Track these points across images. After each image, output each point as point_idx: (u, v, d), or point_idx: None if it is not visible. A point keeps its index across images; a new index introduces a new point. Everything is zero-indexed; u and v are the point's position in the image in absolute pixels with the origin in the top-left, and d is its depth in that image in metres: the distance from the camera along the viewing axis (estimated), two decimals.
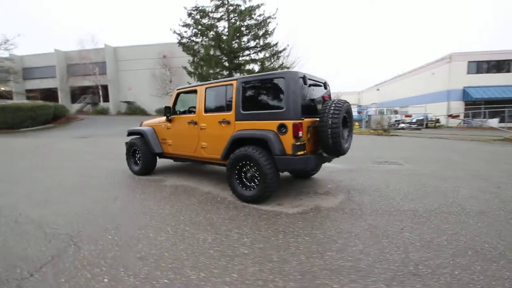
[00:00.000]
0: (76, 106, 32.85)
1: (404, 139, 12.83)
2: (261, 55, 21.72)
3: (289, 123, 3.32)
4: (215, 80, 4.21)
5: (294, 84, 3.37)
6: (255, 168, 3.52)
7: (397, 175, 5.24)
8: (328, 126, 3.39)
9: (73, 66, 32.47)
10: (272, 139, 3.38)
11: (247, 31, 20.73)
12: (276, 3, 40.92)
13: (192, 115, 4.49)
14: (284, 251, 2.39)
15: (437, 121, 22.78)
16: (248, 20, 20.50)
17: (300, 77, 3.45)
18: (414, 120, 21.79)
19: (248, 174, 3.66)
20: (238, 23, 19.86)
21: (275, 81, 3.51)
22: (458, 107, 23.41)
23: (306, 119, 3.44)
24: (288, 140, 3.34)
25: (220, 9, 20.77)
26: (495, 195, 3.92)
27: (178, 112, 4.97)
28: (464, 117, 22.05)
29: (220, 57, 20.74)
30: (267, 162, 3.41)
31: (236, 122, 3.81)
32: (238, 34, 19.93)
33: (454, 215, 3.19)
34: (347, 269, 2.10)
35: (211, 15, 20.85)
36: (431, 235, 2.68)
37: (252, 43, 21.16)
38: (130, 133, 5.62)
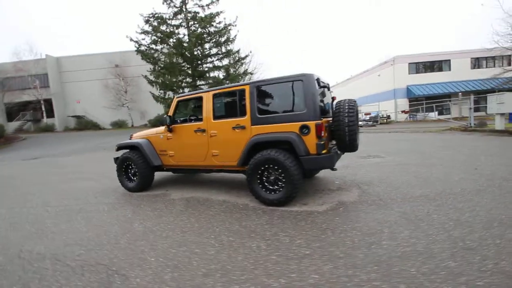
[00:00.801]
0: (14, 125, 28.97)
1: (368, 135, 13.91)
2: (224, 62, 21.70)
3: (312, 123, 3.41)
4: (222, 86, 4.12)
5: (313, 86, 3.48)
6: (280, 170, 3.52)
7: (388, 167, 5.68)
8: (345, 125, 3.56)
9: (8, 80, 28.63)
10: (296, 140, 3.43)
11: (209, 38, 20.59)
12: (236, 11, 41.37)
13: (198, 123, 4.32)
14: (343, 246, 2.43)
15: (388, 117, 25.20)
16: (209, 27, 20.38)
17: (316, 79, 3.57)
18: (368, 118, 23.77)
19: (271, 178, 3.64)
20: (199, 30, 19.61)
21: (292, 83, 3.58)
22: (403, 103, 26.21)
23: (323, 119, 3.57)
24: (311, 140, 3.42)
25: (179, 16, 20.30)
26: (478, 175, 4.49)
27: (178, 121, 4.73)
28: (414, 112, 24.73)
29: (182, 64, 20.22)
30: (293, 163, 3.45)
31: (252, 126, 3.78)
32: (200, 41, 19.68)
33: (460, 195, 3.58)
34: (411, 253, 2.23)
35: (169, 22, 20.25)
36: (455, 214, 2.98)
37: (214, 50, 21.05)
38: (120, 148, 5.17)
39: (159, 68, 19.91)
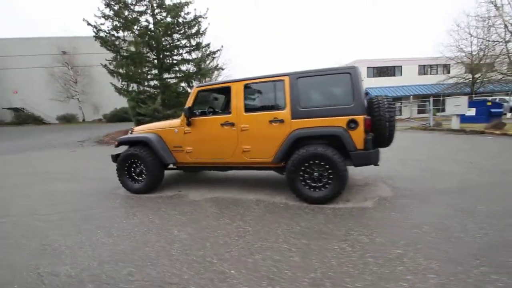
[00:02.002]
0: None
1: None
2: (194, 55, 20.70)
3: (360, 118, 3.32)
4: (256, 76, 3.79)
5: (359, 80, 3.39)
6: (326, 166, 3.37)
7: (392, 162, 5.92)
8: (386, 120, 3.54)
9: None
10: (345, 135, 3.30)
11: (177, 28, 19.41)
12: (208, 4, 39.84)
13: (226, 115, 3.92)
14: (430, 242, 2.37)
15: None
16: (177, 18, 19.22)
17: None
18: None
19: (315, 174, 3.46)
20: (168, 19, 18.36)
21: (339, 76, 3.44)
22: None
23: None
24: (359, 135, 3.33)
25: (143, 2, 18.74)
26: (478, 169, 4.91)
27: (196, 113, 4.24)
28: None
29: (148, 55, 18.74)
30: (341, 159, 3.32)
31: (292, 120, 3.54)
32: (170, 31, 18.45)
33: (480, 188, 3.84)
34: (496, 244, 2.26)
35: (132, 7, 18.57)
36: (496, 204, 3.16)
37: (183, 42, 19.94)
38: (122, 143, 4.46)
39: (121, 58, 18.14)
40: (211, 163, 4.12)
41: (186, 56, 20.41)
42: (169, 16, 18.22)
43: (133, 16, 17.89)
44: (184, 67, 19.54)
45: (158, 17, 18.74)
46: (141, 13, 18.92)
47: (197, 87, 4.07)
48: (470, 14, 23.19)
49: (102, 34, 17.91)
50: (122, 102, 23.76)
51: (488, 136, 9.88)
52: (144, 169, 4.22)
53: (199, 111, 4.37)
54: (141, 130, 4.52)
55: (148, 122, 16.14)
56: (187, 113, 3.92)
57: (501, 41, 14.92)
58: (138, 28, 17.50)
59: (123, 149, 4.55)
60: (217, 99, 4.95)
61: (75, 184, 5.23)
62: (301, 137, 3.47)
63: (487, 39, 17.66)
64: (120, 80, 18.08)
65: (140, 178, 4.33)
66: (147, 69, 19.00)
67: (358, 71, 3.41)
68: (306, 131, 3.45)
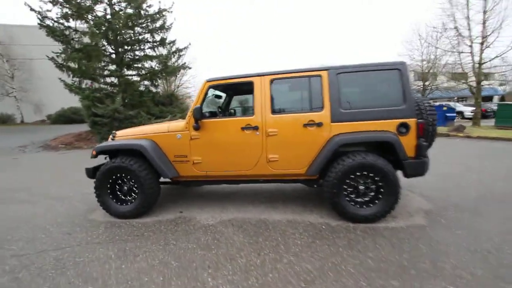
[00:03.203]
0: None
1: None
2: (158, 51, 19.12)
3: (412, 121, 2.87)
4: (285, 70, 3.10)
5: (408, 77, 2.95)
6: (376, 178, 2.84)
7: None
8: (430, 123, 3.17)
9: None
10: (398, 141, 2.82)
11: (140, 21, 17.70)
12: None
13: (247, 117, 3.16)
14: None
15: None
16: (139, 9, 17.52)
17: None
18: None
19: (361, 188, 2.91)
20: (129, 10, 16.60)
21: (386, 72, 2.95)
22: None
23: None
24: (410, 141, 2.89)
25: None
26: (487, 174, 4.89)
27: (206, 114, 3.41)
28: None
29: (104, 48, 16.72)
30: (393, 169, 2.83)
31: (332, 124, 2.95)
32: (132, 23, 16.68)
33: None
34: None
35: None
36: None
37: (146, 36, 18.25)
38: (102, 152, 3.39)
39: (72, 50, 15.88)
40: (226, 177, 3.32)
41: (149, 52, 18.71)
42: (129, 7, 16.48)
43: (87, 4, 15.79)
44: (147, 64, 17.86)
45: (117, 7, 16.84)
46: (96, 1, 16.82)
47: (208, 80, 3.23)
48: (427, 25, 25.22)
49: (48, 22, 15.48)
50: (70, 101, 20.99)
51: (456, 139, 10.53)
52: (136, 186, 3.25)
53: (209, 111, 3.54)
54: (127, 135, 3.51)
55: (107, 124, 14.30)
56: (198, 114, 3.07)
57: (452, 51, 16.46)
58: (93, 17, 15.49)
59: (101, 159, 3.49)
60: (220, 97, 4.14)
61: (32, 207, 3.94)
62: (346, 144, 2.89)
63: (437, 47, 19.21)
64: (71, 75, 15.79)
65: (129, 197, 3.34)
66: (104, 64, 16.93)
67: (407, 68, 2.96)
68: (353, 137, 2.88)
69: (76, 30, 16.10)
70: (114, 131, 3.60)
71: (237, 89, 3.93)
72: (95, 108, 14.38)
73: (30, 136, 15.91)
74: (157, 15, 17.91)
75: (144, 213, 3.33)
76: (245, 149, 3.14)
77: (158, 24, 18.09)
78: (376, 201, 2.89)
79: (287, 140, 3.05)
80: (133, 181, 3.25)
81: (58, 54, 15.89)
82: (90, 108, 14.78)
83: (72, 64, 15.83)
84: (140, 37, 17.93)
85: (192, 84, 30.99)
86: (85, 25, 15.98)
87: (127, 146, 3.26)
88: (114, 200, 3.32)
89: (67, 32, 15.97)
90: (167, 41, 18.46)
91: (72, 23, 15.95)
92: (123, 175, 3.26)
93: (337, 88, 2.95)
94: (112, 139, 3.53)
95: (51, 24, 15.30)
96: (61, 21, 15.70)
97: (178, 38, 20.34)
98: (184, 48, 19.63)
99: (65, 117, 23.37)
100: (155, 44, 18.27)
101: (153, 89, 17.74)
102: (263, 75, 3.12)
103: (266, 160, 3.11)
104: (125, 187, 3.31)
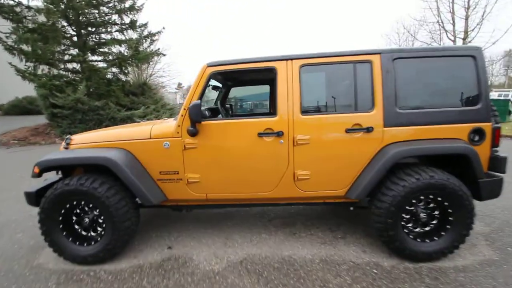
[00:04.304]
0: None
1: None
2: (127, 35, 17.20)
3: (487, 126, 2.15)
4: (321, 53, 2.21)
5: (485, 68, 2.20)
6: (446, 203, 2.10)
7: None
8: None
9: None
10: (476, 154, 2.08)
11: (106, 0, 15.71)
12: None
13: (265, 118, 2.25)
14: None
15: None
16: None
17: None
18: None
19: (421, 215, 2.16)
20: None
21: (457, 60, 2.18)
22: None
23: None
24: (484, 152, 2.17)
25: None
26: None
27: (207, 114, 2.43)
28: None
29: (63, 29, 14.66)
30: (468, 192, 2.10)
31: (385, 128, 2.14)
32: (94, 2, 14.72)
33: None
34: None
35: None
36: None
37: (114, 18, 16.29)
38: (47, 169, 2.28)
39: (25, 30, 13.69)
40: (234, 201, 2.41)
41: (118, 35, 16.76)
42: None
43: None
44: (115, 49, 15.99)
45: None
46: None
47: (210, 65, 2.24)
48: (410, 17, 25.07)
49: None
50: (26, 90, 18.57)
51: None
52: (103, 219, 2.23)
53: (207, 108, 2.57)
54: (89, 142, 2.43)
55: (68, 116, 12.58)
56: (197, 113, 2.08)
57: (433, 44, 16.51)
58: None
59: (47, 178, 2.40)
60: (217, 88, 3.16)
61: None
62: (405, 156, 2.11)
63: (416, 38, 19.18)
64: (24, 59, 13.65)
65: (92, 233, 2.32)
66: (63, 47, 14.86)
67: (483, 55, 2.21)
68: (419, 148, 2.09)
69: (29, 7, 13.86)
70: (68, 136, 2.49)
71: (245, 78, 3.00)
72: (53, 98, 12.56)
73: None
74: None
75: (115, 255, 2.32)
76: (264, 163, 2.24)
77: (127, 4, 16.19)
78: (443, 233, 2.15)
79: (323, 151, 2.20)
80: (98, 211, 2.23)
81: (8, 35, 13.64)
82: (47, 98, 12.90)
83: (25, 47, 13.68)
84: (107, 18, 15.94)
85: (166, 73, 28.95)
86: (41, 2, 13.78)
87: (87, 161, 2.20)
88: (70, 238, 2.28)
89: (17, 9, 13.69)
90: (137, 23, 16.61)
91: None
92: (83, 202, 2.23)
93: (394, 79, 2.13)
94: (66, 148, 2.44)
95: None
96: None
97: (173, 37, 18.59)
98: (157, 32, 17.86)
99: (19, 108, 20.72)
100: (123, 27, 16.36)
101: (123, 77, 15.99)
102: (290, 59, 2.20)
103: (293, 178, 2.24)
104: (86, 219, 2.27)
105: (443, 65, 2.18)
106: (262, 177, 2.27)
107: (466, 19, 14.53)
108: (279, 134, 2.18)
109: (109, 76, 15.73)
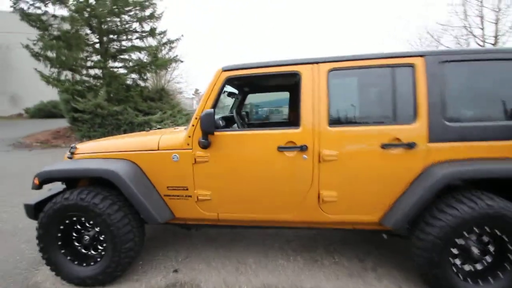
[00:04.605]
0: None
1: None
2: (147, 42, 17.55)
3: None
4: (352, 56, 1.92)
5: None
6: (504, 237, 1.72)
7: None
8: None
9: None
10: None
11: (127, 8, 16.12)
12: None
13: (287, 130, 1.98)
14: None
15: None
16: None
17: None
18: None
19: (475, 252, 1.78)
20: None
21: None
22: None
23: None
24: None
25: None
26: None
27: (221, 123, 2.18)
28: None
29: (87, 37, 15.13)
30: None
31: (430, 144, 1.80)
32: (116, 10, 15.11)
33: None
34: None
35: None
36: None
37: (134, 26, 16.68)
38: (48, 180, 2.11)
39: (50, 37, 14.24)
40: (249, 222, 2.12)
41: (137, 43, 17.14)
42: None
43: None
44: (135, 56, 16.34)
45: None
46: None
47: (225, 69, 2.00)
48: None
49: (23, 5, 13.83)
50: (51, 94, 19.31)
51: None
52: (104, 238, 2.01)
53: (221, 117, 2.33)
54: (94, 152, 2.25)
55: (88, 120, 12.86)
56: (210, 123, 1.83)
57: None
58: (74, 1, 13.87)
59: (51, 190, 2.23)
60: (233, 95, 2.93)
61: None
62: (462, 179, 1.76)
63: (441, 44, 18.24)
64: (49, 65, 14.19)
65: (93, 252, 2.10)
66: (86, 54, 15.35)
67: None
68: (472, 169, 1.73)
69: (54, 16, 14.48)
70: (73, 145, 2.33)
71: (264, 84, 2.74)
72: (74, 103, 12.91)
73: (1, 132, 14.24)
74: (146, 3, 16.40)
75: (115, 278, 2.09)
76: (284, 181, 1.95)
77: (147, 12, 16.58)
78: (499, 272, 1.76)
79: (353, 169, 1.89)
80: (99, 229, 2.01)
81: (35, 42, 14.27)
82: (69, 102, 13.30)
83: (50, 53, 14.23)
84: (128, 26, 16.38)
85: (184, 79, 29.39)
86: (65, 10, 14.37)
87: (87, 173, 2.00)
88: (69, 257, 2.08)
89: (44, 18, 14.34)
90: (157, 31, 16.95)
91: (50, 8, 14.31)
92: (84, 219, 2.03)
93: (441, 86, 1.80)
94: (70, 158, 2.26)
95: (25, 8, 13.64)
96: (37, 4, 14.06)
97: (172, 33, 18.91)
98: (176, 39, 18.16)
99: (44, 111, 21.63)
100: (143, 34, 16.74)
101: (141, 83, 16.27)
102: (317, 62, 1.92)
103: (317, 199, 1.94)
104: (86, 236, 2.06)
105: (499, 69, 1.82)
106: (281, 197, 1.98)
107: (496, 23, 13.69)
108: (303, 149, 1.89)
109: (128, 82, 16.06)
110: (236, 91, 2.95)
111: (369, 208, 1.92)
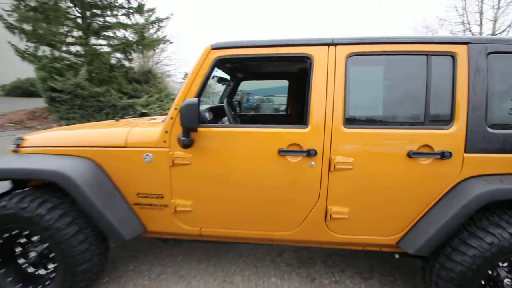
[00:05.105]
0: None
1: None
2: (134, 20, 16.47)
3: None
4: (377, 37, 1.51)
5: None
6: None
7: None
8: None
9: None
10: None
11: None
12: None
13: (290, 129, 1.57)
14: None
15: None
16: None
17: None
18: None
19: (507, 283, 1.48)
20: None
21: None
22: None
23: None
24: None
25: None
26: None
27: (207, 117, 1.75)
28: None
29: (68, 10, 14.00)
30: None
31: (466, 154, 1.45)
32: None
33: None
34: None
35: None
36: None
37: (121, 1, 15.54)
38: None
39: (26, 8, 13.10)
40: (239, 239, 1.74)
41: (123, 19, 16.04)
42: None
43: None
44: (120, 33, 15.32)
45: None
46: None
47: (215, 47, 1.55)
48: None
49: None
50: (29, 71, 18.04)
51: None
52: (54, 257, 1.59)
53: (208, 108, 1.90)
54: (45, 146, 1.78)
55: (67, 101, 12.05)
56: (193, 117, 1.41)
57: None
58: None
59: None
60: (226, 81, 2.47)
61: None
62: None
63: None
64: (25, 39, 13.11)
65: (43, 270, 1.68)
66: (67, 29, 14.25)
67: None
68: None
69: None
70: (20, 136, 1.84)
71: (261, 69, 2.29)
72: (52, 81, 12.00)
73: None
74: None
75: None
76: (284, 192, 1.57)
77: None
78: None
79: (371, 181, 1.52)
80: (46, 244, 1.58)
81: (9, 13, 13.09)
82: (46, 81, 12.38)
83: (25, 26, 13.12)
84: (113, 0, 15.24)
85: (173, 62, 28.25)
86: None
87: (29, 174, 1.54)
88: (11, 278, 1.65)
89: None
90: (145, 8, 15.91)
91: None
92: (26, 231, 1.59)
93: (487, 84, 1.43)
94: (15, 151, 1.79)
95: None
96: None
97: (161, 12, 17.83)
98: (166, 18, 17.12)
99: (21, 89, 20.26)
100: (130, 10, 15.64)
101: (127, 64, 15.35)
102: (333, 44, 1.50)
103: (324, 216, 1.57)
104: (32, 253, 1.63)
105: None
106: (280, 212, 1.60)
107: (495, 21, 13.52)
108: (310, 154, 1.50)
109: (112, 61, 15.12)
110: (228, 77, 2.50)
111: (386, 228, 1.58)
